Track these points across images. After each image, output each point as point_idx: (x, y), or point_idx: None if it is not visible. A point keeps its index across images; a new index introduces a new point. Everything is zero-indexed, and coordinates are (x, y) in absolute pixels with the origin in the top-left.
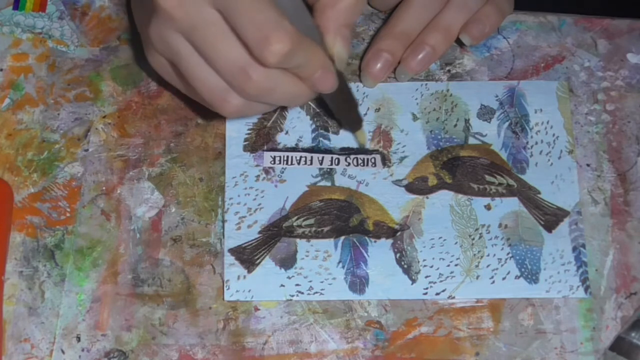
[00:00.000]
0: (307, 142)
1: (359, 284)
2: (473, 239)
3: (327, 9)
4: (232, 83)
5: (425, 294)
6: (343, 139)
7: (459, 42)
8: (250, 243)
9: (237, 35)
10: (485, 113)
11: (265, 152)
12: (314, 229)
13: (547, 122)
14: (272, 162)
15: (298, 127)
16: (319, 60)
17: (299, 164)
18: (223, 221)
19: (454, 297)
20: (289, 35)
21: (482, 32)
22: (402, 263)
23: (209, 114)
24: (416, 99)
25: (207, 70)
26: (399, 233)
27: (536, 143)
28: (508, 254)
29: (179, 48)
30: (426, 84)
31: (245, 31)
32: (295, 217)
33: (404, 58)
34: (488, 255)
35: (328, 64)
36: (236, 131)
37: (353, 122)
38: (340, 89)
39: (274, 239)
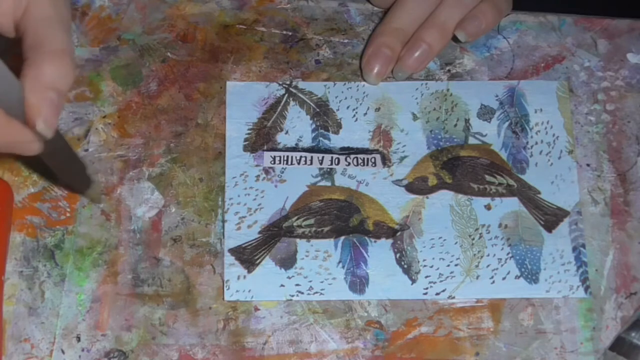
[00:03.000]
0: (307, 142)
1: (359, 284)
2: (473, 239)
3: (32, 69)
4: None
5: (425, 294)
6: (343, 139)
7: (456, 39)
8: (250, 243)
9: None
10: (485, 113)
11: (265, 152)
12: (314, 229)
13: (547, 122)
14: (272, 162)
15: (298, 127)
16: (15, 139)
17: (299, 164)
18: (223, 221)
19: (454, 297)
20: None
21: (478, 28)
22: (402, 263)
23: (209, 113)
24: (416, 98)
25: None
26: (399, 233)
27: (536, 143)
28: (508, 254)
29: None
30: (426, 84)
31: None
32: (295, 217)
33: (401, 56)
34: (488, 255)
35: (24, 139)
36: (236, 131)
37: (80, 184)
38: (54, 153)
39: (274, 239)
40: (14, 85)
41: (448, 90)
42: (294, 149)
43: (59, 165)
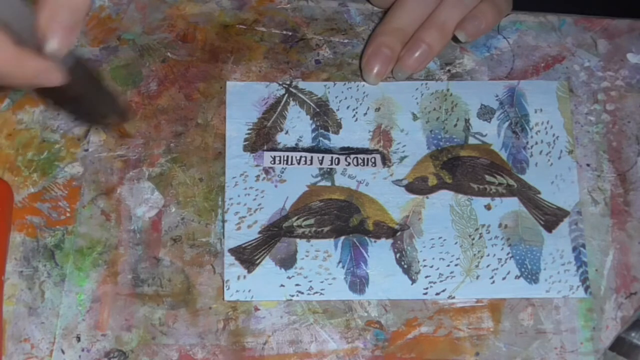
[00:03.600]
0: (307, 142)
1: (359, 284)
2: (473, 239)
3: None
4: None
5: (425, 294)
6: (343, 139)
7: (457, 39)
8: (250, 243)
9: None
10: (485, 113)
11: (265, 152)
12: (314, 229)
13: (547, 122)
14: (272, 162)
15: (298, 127)
16: (28, 68)
17: (299, 164)
18: (223, 221)
19: (454, 297)
20: None
21: (478, 28)
22: (402, 263)
23: (209, 113)
24: (416, 98)
25: None
26: (399, 233)
27: (536, 143)
28: (508, 254)
29: None
30: (426, 84)
31: None
32: (295, 217)
33: (401, 56)
34: (488, 255)
35: (42, 68)
36: (236, 131)
37: (113, 117)
38: (78, 82)
39: (274, 239)
40: (23, 10)
41: (448, 90)
42: (294, 149)
43: (86, 97)
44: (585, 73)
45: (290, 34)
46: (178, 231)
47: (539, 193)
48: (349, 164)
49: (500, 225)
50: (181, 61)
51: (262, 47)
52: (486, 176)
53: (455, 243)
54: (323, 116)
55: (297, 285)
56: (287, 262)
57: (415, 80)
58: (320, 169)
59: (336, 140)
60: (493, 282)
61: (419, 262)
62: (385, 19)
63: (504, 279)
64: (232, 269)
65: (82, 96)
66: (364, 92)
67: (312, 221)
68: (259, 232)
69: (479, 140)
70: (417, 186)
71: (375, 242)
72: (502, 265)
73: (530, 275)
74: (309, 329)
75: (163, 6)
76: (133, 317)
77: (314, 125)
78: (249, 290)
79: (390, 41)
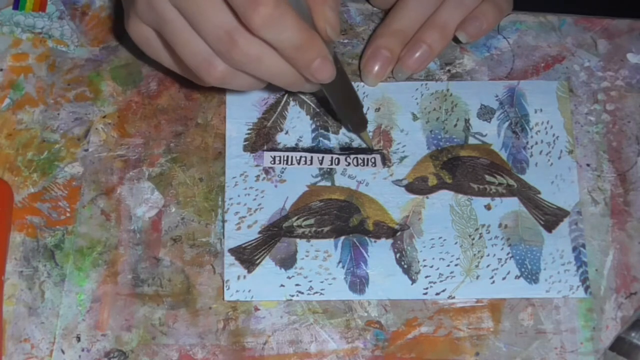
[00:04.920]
0: (307, 142)
1: (359, 284)
2: (473, 239)
3: None
4: (217, 48)
5: (425, 294)
6: (343, 139)
7: (457, 40)
8: (250, 243)
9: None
10: (485, 113)
11: (265, 152)
12: (314, 229)
13: (547, 122)
14: (272, 162)
15: (298, 127)
16: (316, 47)
17: (299, 164)
18: (223, 221)
19: (454, 297)
20: None
21: (479, 29)
22: (402, 263)
23: (209, 113)
24: (416, 98)
25: (193, 35)
26: (399, 233)
27: (536, 143)
28: (508, 254)
29: (164, 12)
30: (426, 84)
31: None
32: (295, 217)
33: (402, 57)
34: (488, 255)
35: (325, 53)
36: (236, 131)
37: (357, 123)
38: (341, 84)
39: (274, 239)
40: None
41: (448, 90)
42: (294, 149)
43: (339, 97)
44: (585, 73)
45: None
46: (178, 231)
47: (539, 193)
48: (349, 164)
49: (500, 225)
50: None
51: None
52: (486, 176)
53: (455, 243)
54: (323, 116)
55: (297, 285)
56: (287, 262)
57: (415, 81)
58: (320, 169)
59: (336, 141)
60: (493, 282)
61: (419, 262)
62: (385, 20)
63: (504, 279)
64: (232, 269)
65: (331, 92)
66: (363, 93)
67: (312, 221)
68: (259, 232)
69: (479, 140)
70: (417, 186)
71: (375, 242)
72: (502, 265)
73: (530, 275)
74: (309, 329)
75: None
76: (133, 317)
77: (314, 125)
78: (249, 290)
79: (390, 43)
